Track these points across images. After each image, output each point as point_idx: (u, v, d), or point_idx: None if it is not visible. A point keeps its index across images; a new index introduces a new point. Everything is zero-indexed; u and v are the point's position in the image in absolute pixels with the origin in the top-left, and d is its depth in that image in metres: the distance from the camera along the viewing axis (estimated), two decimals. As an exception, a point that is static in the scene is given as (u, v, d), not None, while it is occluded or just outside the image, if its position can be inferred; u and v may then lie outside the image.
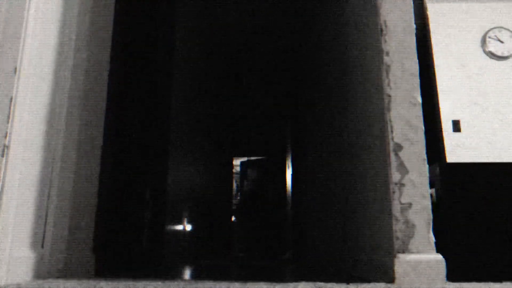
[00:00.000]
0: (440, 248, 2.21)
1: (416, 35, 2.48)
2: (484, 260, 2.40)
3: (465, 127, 2.79)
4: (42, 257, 2.19)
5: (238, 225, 14.33)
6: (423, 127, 2.33)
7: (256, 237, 13.89)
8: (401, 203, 2.23)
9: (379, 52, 2.49)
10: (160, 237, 4.49)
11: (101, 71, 2.84)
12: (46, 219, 2.27)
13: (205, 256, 7.42)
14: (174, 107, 5.08)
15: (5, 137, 2.00)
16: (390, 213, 2.26)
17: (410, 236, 2.18)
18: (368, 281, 2.33)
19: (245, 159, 14.89)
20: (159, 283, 1.97)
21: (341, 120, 3.73)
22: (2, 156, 1.98)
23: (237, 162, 15.37)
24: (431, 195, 2.47)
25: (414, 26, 2.47)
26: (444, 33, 2.91)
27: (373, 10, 2.62)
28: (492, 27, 2.88)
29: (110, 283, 1.94)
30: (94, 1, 2.77)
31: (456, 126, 2.73)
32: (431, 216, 2.20)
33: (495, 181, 2.50)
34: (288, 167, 11.90)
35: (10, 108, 2.04)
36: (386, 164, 2.35)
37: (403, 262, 2.11)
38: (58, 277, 2.25)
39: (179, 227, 5.48)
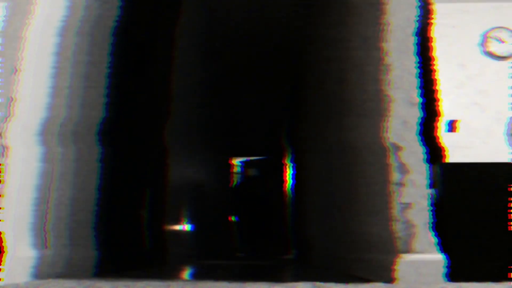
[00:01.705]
0: (440, 248, 2.21)
1: (416, 35, 2.48)
2: (484, 260, 2.40)
3: (465, 127, 2.79)
4: (43, 257, 2.19)
5: (238, 225, 14.33)
6: (423, 127, 2.32)
7: (256, 237, 13.88)
8: (401, 203, 2.23)
9: (379, 52, 2.49)
10: (160, 237, 4.49)
11: (101, 71, 2.84)
12: (46, 219, 2.27)
13: (205, 256, 7.42)
14: (174, 106, 5.08)
15: (5, 137, 2.00)
16: (390, 213, 2.26)
17: (410, 236, 2.18)
18: (368, 281, 2.33)
19: (245, 159, 14.89)
20: (159, 283, 1.97)
21: (341, 120, 3.73)
22: (3, 156, 1.98)
23: (237, 162, 15.37)
24: (431, 195, 2.47)
25: (414, 26, 2.47)
26: (444, 33, 2.91)
27: (375, 10, 2.62)
28: (492, 27, 2.88)
29: (110, 283, 1.94)
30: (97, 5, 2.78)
31: (452, 126, 2.72)
32: (431, 216, 2.20)
33: (495, 181, 2.50)
34: (288, 167, 11.90)
35: (10, 108, 2.04)
36: (386, 164, 2.35)
37: (403, 262, 2.11)
38: (58, 277, 2.25)
39: (179, 227, 5.48)
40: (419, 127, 2.31)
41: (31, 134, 2.17)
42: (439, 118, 2.78)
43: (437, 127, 2.75)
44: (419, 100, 2.34)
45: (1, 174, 1.97)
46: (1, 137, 2.01)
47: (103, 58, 2.88)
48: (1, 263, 1.89)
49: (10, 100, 2.05)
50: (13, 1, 2.16)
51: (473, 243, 2.40)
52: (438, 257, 2.13)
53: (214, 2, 6.52)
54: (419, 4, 2.70)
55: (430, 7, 2.78)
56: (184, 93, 5.72)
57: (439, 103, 2.81)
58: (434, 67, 2.87)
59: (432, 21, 2.92)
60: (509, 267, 2.36)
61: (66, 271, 2.39)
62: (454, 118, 2.75)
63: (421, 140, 2.30)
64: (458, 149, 2.72)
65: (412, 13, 2.48)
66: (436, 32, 2.89)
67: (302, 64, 7.43)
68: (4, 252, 1.91)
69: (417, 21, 2.52)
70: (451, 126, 2.53)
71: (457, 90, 2.83)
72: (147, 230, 4.04)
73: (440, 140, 2.76)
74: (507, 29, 2.85)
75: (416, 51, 2.43)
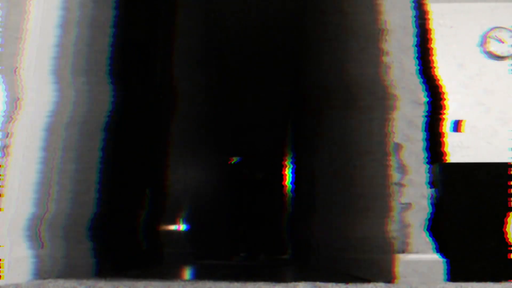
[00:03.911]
0: (440, 248, 2.21)
1: (417, 35, 2.48)
2: (484, 260, 2.40)
3: (465, 127, 2.79)
4: (42, 257, 2.19)
5: (238, 225, 14.31)
6: (424, 127, 2.32)
7: (256, 237, 13.88)
8: (400, 203, 2.23)
9: (380, 52, 2.49)
10: (160, 237, 4.49)
11: (101, 71, 2.84)
12: (46, 219, 2.27)
13: (205, 256, 7.42)
14: (174, 106, 5.07)
15: (6, 137, 2.00)
16: (389, 213, 2.26)
17: (409, 236, 2.18)
18: (368, 281, 2.33)
19: (245, 158, 14.87)
20: (159, 283, 1.97)
21: (341, 120, 3.73)
22: (3, 156, 1.98)
23: (237, 161, 15.35)
24: (431, 195, 2.47)
25: (415, 26, 2.46)
26: (445, 33, 2.91)
27: (374, 10, 2.62)
28: (492, 27, 2.88)
29: (109, 283, 1.94)
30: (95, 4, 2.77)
31: (456, 126, 2.72)
32: (430, 216, 2.20)
33: (495, 181, 2.50)
34: (289, 167, 11.90)
35: (11, 108, 2.04)
36: (386, 164, 2.35)
37: (402, 262, 2.11)
38: (58, 277, 2.25)
39: (179, 227, 5.48)
40: (423, 127, 2.30)
41: (32, 133, 2.17)
42: (443, 118, 2.78)
43: (441, 127, 2.75)
44: (423, 99, 2.34)
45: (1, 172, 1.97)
46: (2, 136, 2.01)
47: (105, 51, 2.88)
48: None
49: (11, 99, 2.05)
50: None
51: (472, 243, 2.40)
52: (437, 257, 2.13)
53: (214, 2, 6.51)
54: (418, 4, 2.70)
55: (427, 6, 2.78)
56: (185, 92, 5.72)
57: (443, 103, 2.80)
58: (436, 67, 2.86)
59: (431, 20, 2.92)
60: (508, 266, 2.36)
61: (64, 271, 2.39)
62: (458, 118, 2.75)
63: (424, 140, 2.30)
64: (459, 149, 2.72)
65: (411, 13, 2.48)
66: (436, 32, 2.89)
67: (303, 62, 7.43)
68: None
69: (416, 20, 2.52)
70: (456, 126, 2.53)
71: (457, 90, 2.83)
72: (145, 230, 4.04)
73: (442, 140, 2.76)
74: (506, 29, 2.85)
75: (418, 50, 2.42)
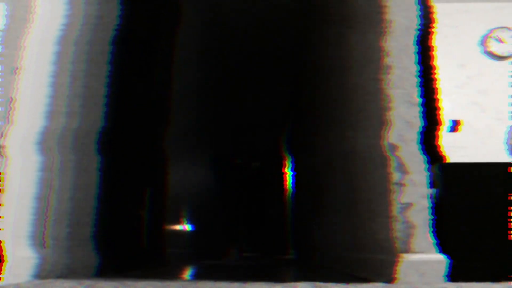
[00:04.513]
0: (440, 248, 2.21)
1: (418, 35, 2.48)
2: (484, 260, 2.40)
3: (465, 127, 2.79)
4: (43, 257, 2.19)
5: (238, 225, 14.32)
6: (423, 127, 2.32)
7: (256, 237, 13.88)
8: (401, 203, 2.23)
9: (380, 52, 2.49)
10: (160, 237, 4.49)
11: (101, 70, 2.84)
12: (46, 219, 2.27)
13: (205, 256, 7.42)
14: (174, 106, 5.07)
15: (5, 137, 2.00)
16: (390, 213, 2.26)
17: (410, 236, 2.18)
18: (368, 281, 2.33)
19: (245, 159, 14.87)
20: (159, 283, 1.97)
21: (341, 120, 3.73)
22: (2, 156, 1.98)
23: (237, 162, 15.35)
24: (431, 195, 2.47)
25: (416, 26, 2.46)
26: (446, 33, 2.91)
27: (376, 10, 2.61)
28: (494, 27, 2.88)
29: (110, 283, 1.94)
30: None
31: (455, 126, 2.72)
32: (431, 216, 2.20)
33: (495, 181, 2.49)
34: (289, 167, 11.90)
35: (9, 108, 2.04)
36: (385, 164, 2.35)
37: (403, 262, 2.11)
38: (58, 277, 2.25)
39: (179, 227, 5.48)
40: (420, 127, 2.31)
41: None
42: (440, 120, 2.78)
43: (438, 128, 2.75)
44: (419, 100, 2.34)
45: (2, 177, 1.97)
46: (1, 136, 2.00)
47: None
48: (1, 271, 1.89)
49: (10, 100, 2.04)
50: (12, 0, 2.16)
51: (472, 242, 2.40)
52: (438, 257, 2.13)
53: (215, 4, 6.51)
54: (420, 4, 2.70)
55: (430, 7, 2.78)
56: (185, 94, 5.72)
57: (440, 106, 2.80)
58: (435, 67, 2.86)
59: (433, 21, 2.92)
60: (508, 266, 2.36)
61: (66, 271, 2.39)
62: (456, 118, 2.75)
63: (422, 140, 2.30)
64: (457, 149, 2.72)
65: (413, 13, 2.48)
66: (437, 32, 2.89)
67: (303, 66, 7.43)
68: (4, 261, 1.90)
69: (417, 21, 2.52)
70: (453, 126, 2.53)
71: (457, 90, 2.83)
72: (147, 230, 4.04)
73: (441, 141, 2.76)
74: (508, 28, 2.84)
75: (416, 50, 2.42)
